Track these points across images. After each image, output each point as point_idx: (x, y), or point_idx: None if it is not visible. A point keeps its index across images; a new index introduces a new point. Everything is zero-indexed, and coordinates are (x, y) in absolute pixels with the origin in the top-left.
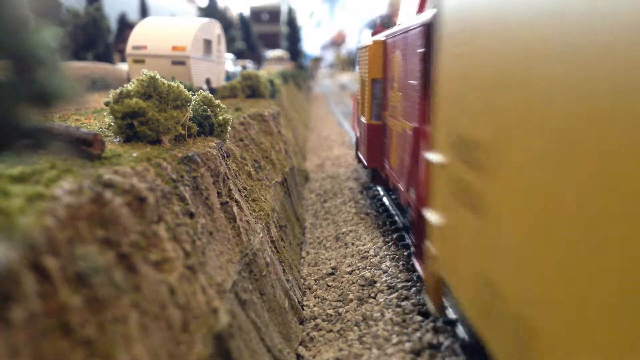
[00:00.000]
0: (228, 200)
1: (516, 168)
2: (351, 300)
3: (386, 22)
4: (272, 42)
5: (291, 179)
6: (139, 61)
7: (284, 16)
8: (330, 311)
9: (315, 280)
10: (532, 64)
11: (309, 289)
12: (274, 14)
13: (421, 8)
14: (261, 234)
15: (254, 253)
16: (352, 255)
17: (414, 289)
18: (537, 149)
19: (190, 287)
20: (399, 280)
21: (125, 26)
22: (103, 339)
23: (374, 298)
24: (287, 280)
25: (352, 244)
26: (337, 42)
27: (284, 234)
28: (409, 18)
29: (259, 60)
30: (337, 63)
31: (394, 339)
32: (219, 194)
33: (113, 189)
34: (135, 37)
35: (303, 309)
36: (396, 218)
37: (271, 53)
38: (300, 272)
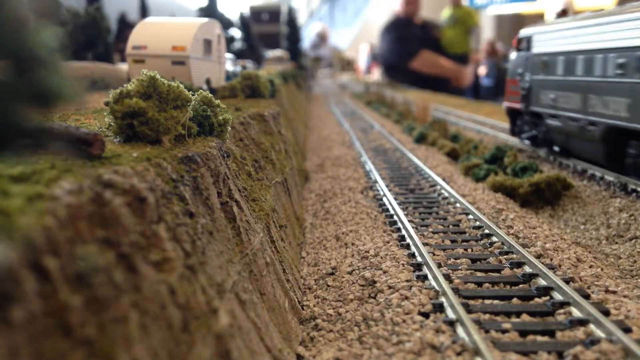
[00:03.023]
0: (228, 200)
1: None
2: (351, 300)
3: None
4: (272, 42)
5: (291, 179)
6: (139, 61)
7: (284, 16)
8: (330, 311)
9: (315, 280)
10: None
11: (309, 289)
12: (274, 14)
13: None
14: (261, 234)
15: (254, 253)
16: (352, 255)
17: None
18: None
19: (190, 287)
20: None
21: (125, 26)
22: (103, 339)
23: (374, 298)
24: (287, 280)
25: (352, 244)
26: (322, 40)
27: (284, 234)
28: None
29: (259, 60)
30: (336, 63)
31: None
32: (219, 194)
33: (113, 189)
34: (135, 37)
35: (303, 309)
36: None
37: (271, 53)
38: (300, 272)
